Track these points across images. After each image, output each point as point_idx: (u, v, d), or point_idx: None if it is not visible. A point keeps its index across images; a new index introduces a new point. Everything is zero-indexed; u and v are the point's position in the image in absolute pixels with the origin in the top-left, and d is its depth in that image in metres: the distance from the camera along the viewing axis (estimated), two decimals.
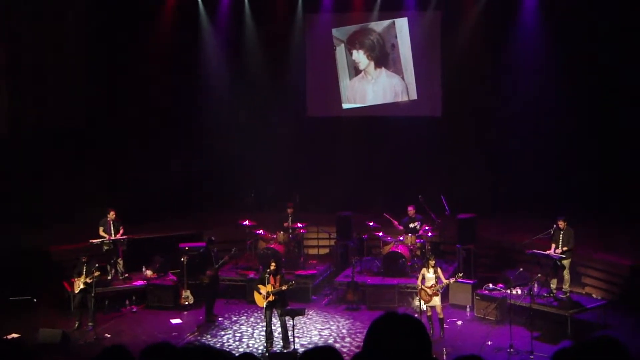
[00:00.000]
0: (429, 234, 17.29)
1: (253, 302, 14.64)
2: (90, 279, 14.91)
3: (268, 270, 13.98)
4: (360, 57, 21.95)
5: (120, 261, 17.13)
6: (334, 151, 21.87)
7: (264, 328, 14.06)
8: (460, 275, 14.83)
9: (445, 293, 15.33)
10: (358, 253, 17.86)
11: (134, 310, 16.37)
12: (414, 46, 21.41)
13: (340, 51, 22.03)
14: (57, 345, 13.79)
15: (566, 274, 14.90)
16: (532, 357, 12.84)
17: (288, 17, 22.10)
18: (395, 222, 17.41)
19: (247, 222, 17.98)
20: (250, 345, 14.14)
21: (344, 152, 21.65)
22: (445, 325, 14.36)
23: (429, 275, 14.19)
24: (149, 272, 17.20)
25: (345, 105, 22.26)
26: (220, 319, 15.62)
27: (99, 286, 15.40)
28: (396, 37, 21.56)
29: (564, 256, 14.76)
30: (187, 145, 21.93)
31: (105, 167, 20.44)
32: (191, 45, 21.99)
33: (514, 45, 20.19)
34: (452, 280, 14.65)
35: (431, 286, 14.07)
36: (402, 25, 21.50)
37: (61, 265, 17.36)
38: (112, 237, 16.88)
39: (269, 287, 13.78)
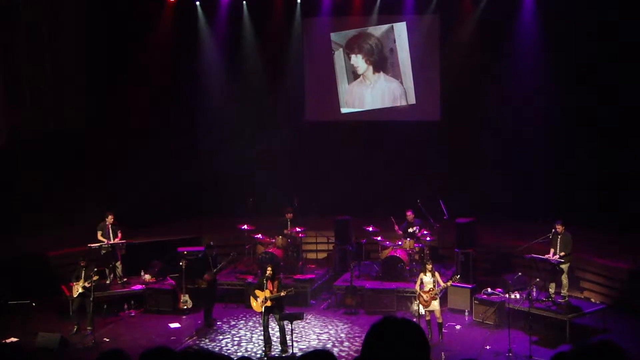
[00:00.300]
0: (428, 238, 17.30)
1: (251, 306, 14.64)
2: (88, 283, 14.91)
3: (265, 275, 13.99)
4: (358, 61, 21.97)
5: (118, 265, 17.13)
6: (332, 155, 21.87)
7: (262, 332, 14.04)
8: (457, 277, 14.82)
9: (443, 297, 15.34)
10: (356, 257, 17.87)
11: (133, 314, 16.37)
12: (412, 50, 21.44)
13: (339, 55, 22.05)
14: (55, 349, 13.79)
15: (564, 279, 14.90)
16: None
17: (286, 22, 22.11)
18: (397, 227, 17.41)
19: (245, 227, 18.01)
20: (249, 349, 14.14)
21: (342, 156, 21.67)
22: (443, 330, 14.37)
23: (427, 279, 14.21)
24: (147, 277, 17.19)
25: (343, 110, 22.27)
26: (218, 323, 15.62)
27: (98, 290, 15.38)
28: (395, 41, 21.59)
29: (562, 260, 14.77)
30: (185, 149, 21.94)
31: (104, 171, 20.42)
32: (190, 49, 22.00)
33: (512, 49, 20.21)
34: (449, 283, 14.65)
35: (429, 290, 14.09)
36: (400, 29, 21.53)
37: (60, 270, 17.34)
38: (111, 241, 16.89)
39: (267, 292, 13.78)
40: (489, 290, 15.55)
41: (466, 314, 15.64)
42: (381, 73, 21.85)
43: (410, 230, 17.29)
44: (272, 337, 14.02)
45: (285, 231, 17.85)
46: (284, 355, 13.64)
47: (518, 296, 14.83)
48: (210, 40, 22.29)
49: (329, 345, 14.11)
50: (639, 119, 18.58)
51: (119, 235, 17.07)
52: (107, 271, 16.94)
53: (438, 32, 21.37)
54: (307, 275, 17.50)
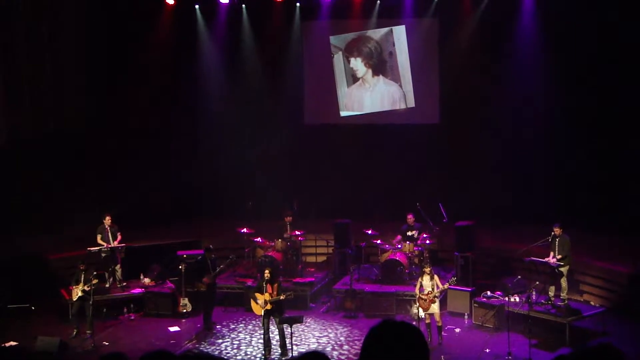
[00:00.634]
0: (427, 241, 17.29)
1: (251, 310, 14.63)
2: (88, 287, 14.89)
3: (264, 278, 13.98)
4: (358, 64, 22.00)
5: (118, 269, 17.12)
6: (331, 159, 21.88)
7: (262, 336, 14.04)
8: (454, 280, 14.82)
9: (443, 300, 15.33)
10: (356, 261, 17.86)
11: (132, 318, 16.35)
12: (411, 54, 21.47)
13: (338, 59, 22.08)
14: (55, 353, 13.76)
15: (563, 282, 14.88)
16: None
17: (286, 25, 22.14)
18: (399, 237, 17.40)
19: (245, 230, 18.01)
20: (249, 352, 14.11)
21: (341, 159, 21.67)
22: (443, 333, 14.36)
23: (426, 282, 14.20)
24: (147, 280, 17.19)
25: (343, 113, 22.29)
26: (218, 326, 15.59)
27: (97, 294, 15.36)
28: (394, 44, 21.62)
29: (561, 264, 14.76)
30: (185, 150, 21.97)
31: (104, 171, 20.45)
32: (189, 52, 22.03)
33: (512, 50, 20.23)
34: (446, 285, 14.63)
35: (428, 293, 14.09)
36: (399, 33, 21.57)
37: (59, 273, 17.34)
38: (110, 245, 16.87)
39: (267, 296, 13.78)
40: (489, 293, 15.54)
41: (466, 317, 15.64)
42: (380, 76, 21.88)
43: (409, 233, 17.29)
44: (271, 341, 14.01)
45: (285, 234, 17.85)
46: (283, 358, 13.64)
47: (517, 299, 14.82)
48: (210, 43, 22.34)
49: (328, 349, 14.10)
50: (639, 120, 18.59)
51: (119, 237, 17.05)
52: (106, 275, 16.92)
53: (437, 36, 21.41)
54: (307, 278, 17.49)
